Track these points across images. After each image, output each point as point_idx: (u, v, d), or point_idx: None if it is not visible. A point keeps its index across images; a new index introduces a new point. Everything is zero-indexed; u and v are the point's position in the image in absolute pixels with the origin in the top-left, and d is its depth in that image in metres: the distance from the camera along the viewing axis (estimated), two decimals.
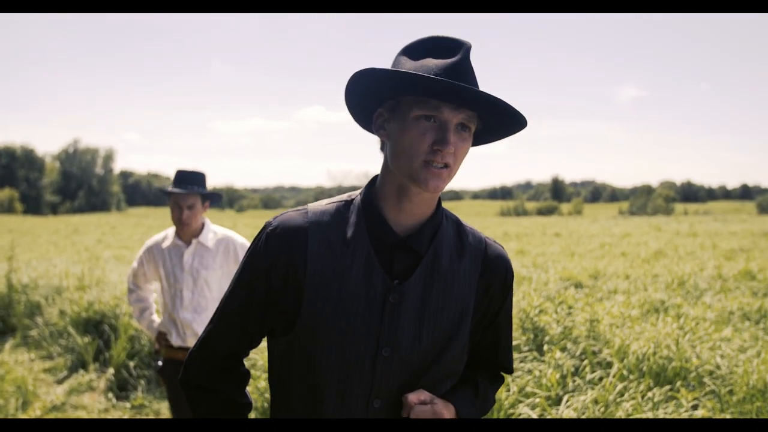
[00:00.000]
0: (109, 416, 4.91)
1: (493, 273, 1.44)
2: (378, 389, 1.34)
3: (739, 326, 5.28)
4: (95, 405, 5.12)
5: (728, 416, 3.21)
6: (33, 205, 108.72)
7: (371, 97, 1.35)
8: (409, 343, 1.33)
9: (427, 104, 1.25)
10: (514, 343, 4.47)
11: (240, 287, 1.41)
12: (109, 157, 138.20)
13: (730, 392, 3.54)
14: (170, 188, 3.37)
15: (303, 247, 1.34)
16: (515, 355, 4.22)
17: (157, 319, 3.65)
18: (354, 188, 1.51)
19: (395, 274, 1.34)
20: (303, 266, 1.34)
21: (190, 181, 3.44)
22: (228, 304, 1.43)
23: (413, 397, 1.32)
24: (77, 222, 40.97)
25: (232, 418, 1.47)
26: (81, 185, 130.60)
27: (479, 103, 1.26)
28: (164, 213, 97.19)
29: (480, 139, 1.42)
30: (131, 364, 5.59)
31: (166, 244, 3.46)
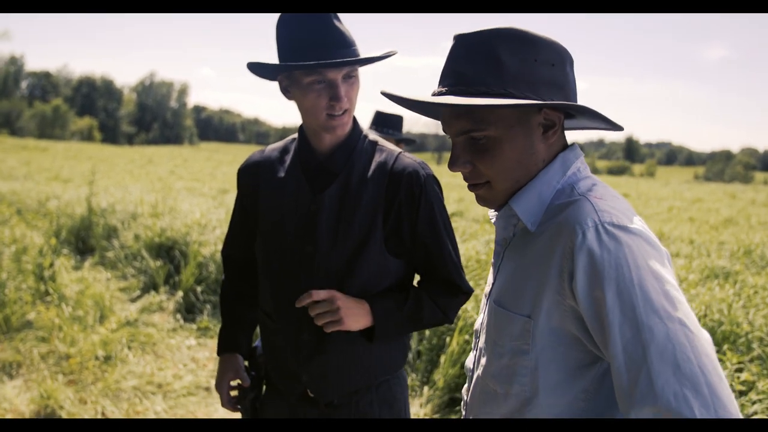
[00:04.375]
0: (176, 335, 5.26)
1: (398, 183, 1.65)
2: (307, 282, 1.65)
3: None
4: (164, 324, 5.48)
5: None
6: (110, 135, 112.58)
7: (268, 71, 1.63)
8: (326, 246, 1.64)
9: (313, 72, 1.52)
10: None
11: (234, 210, 1.91)
12: (183, 92, 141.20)
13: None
14: (368, 130, 3.52)
15: (256, 178, 1.78)
16: None
17: None
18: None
19: (316, 189, 1.67)
20: (256, 193, 1.77)
21: (387, 123, 3.53)
22: (231, 220, 1.93)
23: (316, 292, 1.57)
24: (151, 153, 42.44)
25: (234, 302, 1.96)
26: (156, 117, 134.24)
27: (350, 62, 1.51)
28: (235, 149, 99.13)
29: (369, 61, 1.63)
30: (198, 289, 5.93)
31: None
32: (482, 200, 1.22)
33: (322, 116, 1.58)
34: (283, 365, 1.75)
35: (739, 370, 3.37)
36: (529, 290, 1.12)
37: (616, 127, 1.20)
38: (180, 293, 5.93)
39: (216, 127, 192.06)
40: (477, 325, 1.34)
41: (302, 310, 1.64)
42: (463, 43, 1.14)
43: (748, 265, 6.97)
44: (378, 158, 1.69)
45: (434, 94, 1.16)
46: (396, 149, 1.73)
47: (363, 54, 1.59)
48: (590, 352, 1.06)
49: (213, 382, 4.39)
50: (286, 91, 1.64)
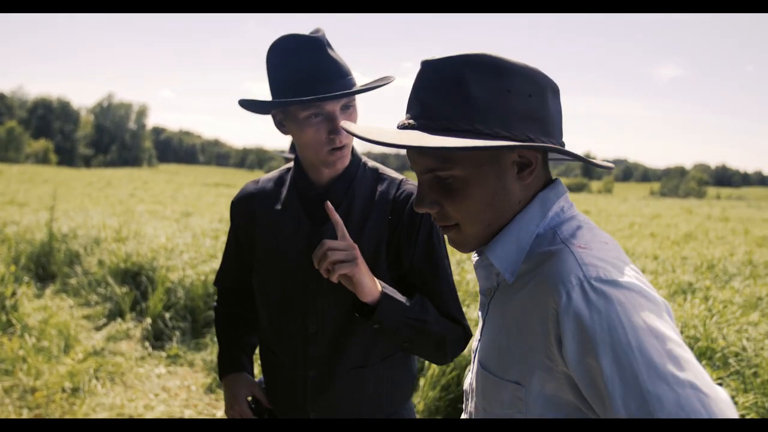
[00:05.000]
0: (145, 364, 5.11)
1: (401, 210, 1.61)
2: (311, 320, 1.60)
3: (767, 312, 5.29)
4: (132, 352, 5.32)
5: (751, 397, 3.27)
6: (67, 157, 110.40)
7: (262, 107, 1.58)
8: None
9: (310, 106, 1.48)
10: None
11: (227, 242, 1.85)
12: (142, 113, 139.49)
13: (755, 374, 3.60)
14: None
15: (252, 210, 1.72)
16: None
17: None
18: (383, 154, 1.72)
19: (318, 221, 1.61)
20: (253, 226, 1.71)
21: None
22: (225, 249, 1.88)
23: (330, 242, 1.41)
24: (110, 175, 41.63)
25: (235, 327, 1.89)
26: (114, 139, 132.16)
27: (349, 94, 1.47)
28: (195, 171, 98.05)
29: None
30: (167, 315, 5.79)
31: None
32: (453, 243, 1.11)
33: (322, 151, 1.53)
34: (289, 401, 1.68)
35: (719, 386, 3.40)
36: (516, 353, 1.01)
37: (603, 167, 1.11)
38: (148, 320, 5.78)
39: (176, 149, 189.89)
40: (466, 386, 1.22)
41: (308, 347, 1.60)
42: (429, 69, 1.03)
43: (713, 280, 7.11)
44: (380, 187, 1.65)
45: (399, 126, 1.06)
46: (399, 176, 1.68)
47: (358, 81, 1.56)
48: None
49: (187, 412, 4.27)
50: (281, 125, 1.59)
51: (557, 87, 1.05)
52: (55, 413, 4.09)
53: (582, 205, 26.93)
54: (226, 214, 12.17)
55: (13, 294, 5.67)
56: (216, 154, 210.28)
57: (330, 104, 1.48)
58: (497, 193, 1.03)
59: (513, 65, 1.00)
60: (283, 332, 1.66)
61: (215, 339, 5.29)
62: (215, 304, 1.96)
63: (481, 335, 1.15)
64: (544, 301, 0.94)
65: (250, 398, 1.78)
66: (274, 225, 1.66)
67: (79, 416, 4.04)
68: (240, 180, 45.36)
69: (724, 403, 0.80)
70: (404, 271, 1.62)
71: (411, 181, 1.67)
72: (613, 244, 1.01)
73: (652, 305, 0.89)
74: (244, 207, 1.75)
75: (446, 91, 1.00)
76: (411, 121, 1.04)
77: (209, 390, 4.66)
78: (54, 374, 4.58)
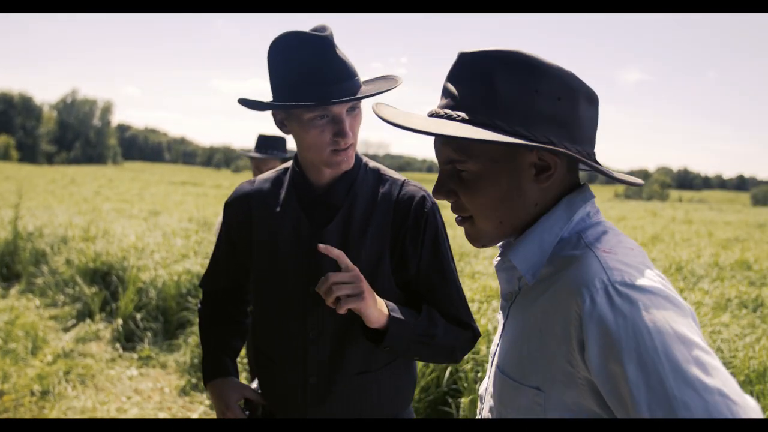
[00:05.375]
0: (116, 365, 5.00)
1: (405, 212, 1.57)
2: (312, 324, 1.56)
3: (736, 313, 5.39)
4: (102, 354, 5.21)
5: None
6: (29, 154, 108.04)
7: (265, 108, 1.51)
8: None
9: (316, 108, 1.41)
10: None
11: (217, 244, 1.78)
12: (107, 110, 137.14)
13: (732, 374, 3.64)
14: (251, 153, 3.51)
15: (248, 211, 1.66)
16: None
17: None
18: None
19: (317, 224, 1.56)
20: (248, 227, 1.65)
21: (270, 146, 3.58)
22: (213, 254, 1.82)
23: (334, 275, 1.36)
24: (73, 173, 40.87)
25: (220, 332, 1.82)
26: (78, 136, 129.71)
27: (357, 98, 1.41)
28: (161, 169, 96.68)
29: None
30: (138, 316, 5.67)
31: None
32: (467, 235, 1.11)
33: (325, 152, 1.48)
34: (288, 408, 1.63)
35: None
36: (537, 358, 0.99)
37: (630, 183, 1.07)
38: (119, 321, 5.65)
39: (141, 147, 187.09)
40: (482, 390, 1.21)
41: (307, 353, 1.56)
42: (462, 60, 1.03)
43: (682, 282, 7.23)
44: (382, 188, 1.60)
45: (429, 114, 1.06)
46: (401, 177, 1.65)
47: (363, 79, 1.51)
48: None
49: (161, 415, 4.18)
50: (282, 125, 1.54)
51: (593, 94, 1.02)
52: (25, 417, 3.97)
53: None
54: (196, 214, 12.01)
55: None
56: (182, 153, 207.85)
57: (336, 106, 1.43)
58: (511, 191, 1.02)
59: (546, 66, 0.98)
60: (283, 337, 1.60)
61: (188, 340, 5.21)
62: (199, 305, 1.89)
63: (500, 340, 1.13)
64: (567, 305, 0.92)
65: (241, 402, 1.73)
66: (272, 227, 1.61)
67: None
68: (207, 179, 44.92)
69: (753, 411, 0.79)
70: (410, 278, 1.59)
71: (413, 182, 1.64)
72: (638, 250, 0.99)
73: (678, 310, 0.86)
74: (239, 208, 1.68)
75: (473, 84, 1.00)
76: (439, 110, 1.04)
77: (183, 392, 4.58)
78: (22, 377, 4.46)
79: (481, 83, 0.99)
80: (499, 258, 1.15)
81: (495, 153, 1.00)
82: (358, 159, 1.62)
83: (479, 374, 3.83)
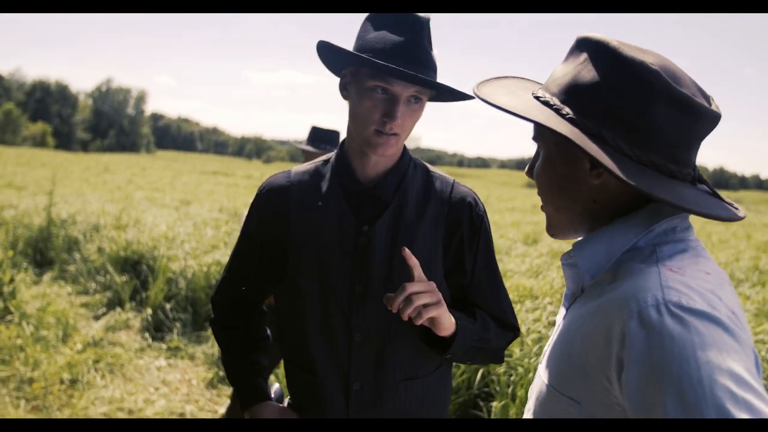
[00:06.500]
0: (145, 355, 4.99)
1: (459, 212, 1.50)
2: (357, 325, 1.46)
3: None
4: (132, 343, 5.21)
5: None
6: (64, 141, 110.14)
7: (338, 60, 1.46)
8: (380, 283, 1.44)
9: (380, 77, 1.34)
10: None
11: (241, 242, 1.64)
12: (141, 99, 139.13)
13: None
14: (305, 146, 3.44)
15: (285, 205, 1.52)
16: None
17: None
18: None
19: (364, 220, 1.47)
20: (285, 222, 1.52)
21: (324, 139, 3.51)
22: (234, 256, 1.66)
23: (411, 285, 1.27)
24: (107, 161, 41.42)
25: (249, 351, 1.67)
26: (112, 124, 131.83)
27: (425, 83, 1.33)
28: (193, 158, 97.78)
29: (438, 97, 1.49)
30: (167, 306, 5.67)
31: None
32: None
33: (369, 129, 1.39)
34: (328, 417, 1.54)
35: None
36: (577, 368, 0.92)
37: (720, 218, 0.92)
38: (148, 310, 5.66)
39: (174, 136, 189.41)
40: (531, 388, 1.16)
41: (352, 356, 1.47)
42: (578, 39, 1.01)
43: None
44: (433, 186, 1.52)
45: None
46: (449, 177, 1.57)
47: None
48: None
49: (189, 408, 4.15)
50: (344, 89, 1.46)
51: (686, 100, 0.90)
52: (53, 405, 3.97)
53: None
54: (226, 204, 12.05)
55: (11, 280, 5.54)
56: (214, 142, 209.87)
57: (399, 85, 1.35)
58: (565, 180, 0.99)
59: (627, 58, 0.91)
60: (323, 341, 1.49)
61: None
62: (213, 319, 1.72)
63: (553, 341, 1.06)
64: (612, 317, 0.84)
65: None
66: (313, 222, 1.50)
67: (78, 409, 3.92)
68: (238, 169, 45.25)
69: None
70: (464, 279, 1.53)
71: (462, 183, 1.57)
72: (716, 277, 0.88)
73: (736, 345, 0.76)
74: (275, 201, 1.55)
75: (570, 67, 0.99)
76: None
77: (210, 385, 4.55)
78: (52, 365, 4.47)
79: (569, 57, 0.99)
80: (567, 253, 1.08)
81: (558, 136, 0.94)
82: (407, 155, 1.55)
83: (512, 377, 3.73)
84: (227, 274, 1.68)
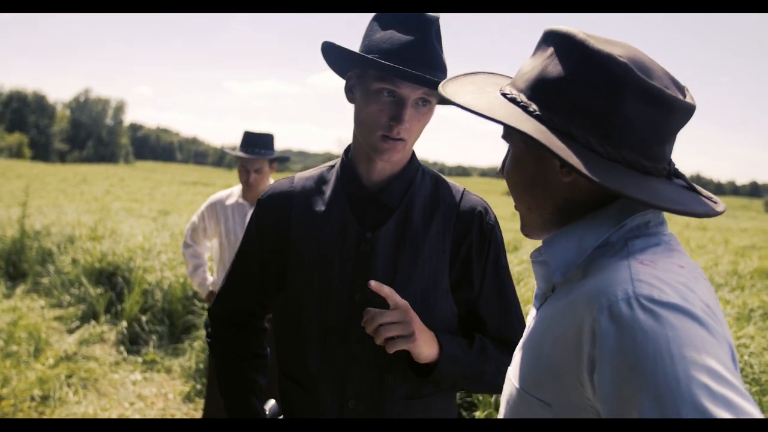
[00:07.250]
0: (120, 369, 4.88)
1: (467, 222, 1.44)
2: (357, 338, 1.38)
3: (761, 324, 5.19)
4: (106, 357, 5.09)
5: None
6: (41, 152, 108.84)
7: (343, 61, 1.41)
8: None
9: (387, 79, 1.30)
10: None
11: (242, 251, 1.57)
12: (119, 109, 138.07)
13: (762, 391, 3.47)
14: (238, 152, 3.35)
15: (287, 211, 1.47)
16: None
17: (209, 277, 3.65)
18: None
19: (367, 226, 1.41)
20: (287, 229, 1.46)
21: (257, 144, 3.40)
22: (234, 266, 1.59)
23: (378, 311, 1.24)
24: (85, 171, 40.94)
25: (244, 367, 1.60)
26: (90, 135, 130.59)
27: (434, 84, 1.28)
28: (173, 168, 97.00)
29: (448, 100, 1.42)
30: (143, 318, 5.56)
31: (230, 201, 3.45)
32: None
33: (375, 134, 1.34)
34: None
35: None
36: (547, 369, 0.87)
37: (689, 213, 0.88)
38: (124, 323, 5.54)
39: (153, 146, 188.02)
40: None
41: (348, 371, 1.39)
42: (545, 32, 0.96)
43: None
44: (441, 194, 1.46)
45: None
46: (459, 186, 1.50)
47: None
48: None
49: None
50: (349, 92, 1.41)
51: (659, 93, 0.84)
52: None
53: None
54: None
55: None
56: (194, 152, 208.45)
57: (407, 88, 1.30)
58: (535, 179, 0.95)
59: (595, 51, 0.86)
60: (319, 352, 1.41)
61: (193, 345, 5.08)
62: (210, 332, 1.65)
63: (522, 342, 1.00)
64: (582, 314, 0.80)
65: None
66: (315, 229, 1.43)
67: None
68: (218, 179, 44.93)
69: None
70: (470, 293, 1.45)
71: (473, 193, 1.51)
72: (690, 271, 0.83)
73: (713, 340, 0.71)
74: (277, 207, 1.49)
75: (538, 61, 0.94)
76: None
77: (187, 398, 4.45)
78: (23, 381, 4.34)
79: (538, 50, 0.94)
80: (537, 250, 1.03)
81: (524, 135, 0.87)
82: (415, 161, 1.49)
83: None
84: (227, 282, 1.61)
